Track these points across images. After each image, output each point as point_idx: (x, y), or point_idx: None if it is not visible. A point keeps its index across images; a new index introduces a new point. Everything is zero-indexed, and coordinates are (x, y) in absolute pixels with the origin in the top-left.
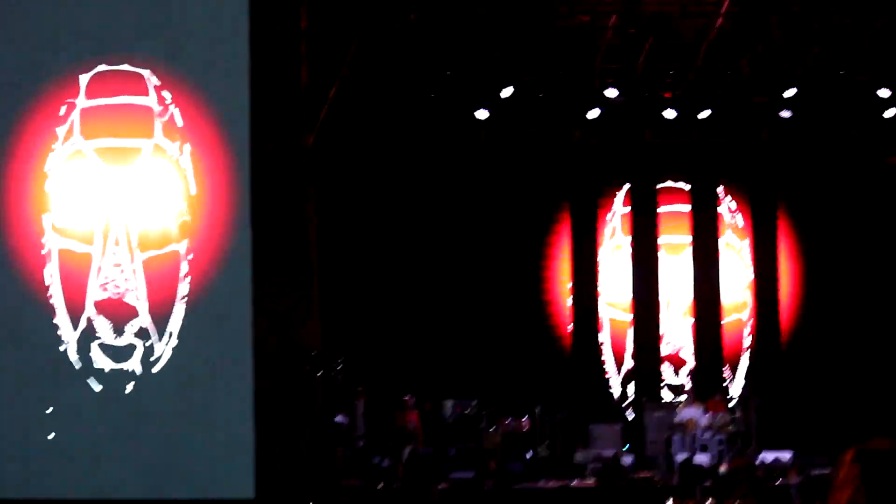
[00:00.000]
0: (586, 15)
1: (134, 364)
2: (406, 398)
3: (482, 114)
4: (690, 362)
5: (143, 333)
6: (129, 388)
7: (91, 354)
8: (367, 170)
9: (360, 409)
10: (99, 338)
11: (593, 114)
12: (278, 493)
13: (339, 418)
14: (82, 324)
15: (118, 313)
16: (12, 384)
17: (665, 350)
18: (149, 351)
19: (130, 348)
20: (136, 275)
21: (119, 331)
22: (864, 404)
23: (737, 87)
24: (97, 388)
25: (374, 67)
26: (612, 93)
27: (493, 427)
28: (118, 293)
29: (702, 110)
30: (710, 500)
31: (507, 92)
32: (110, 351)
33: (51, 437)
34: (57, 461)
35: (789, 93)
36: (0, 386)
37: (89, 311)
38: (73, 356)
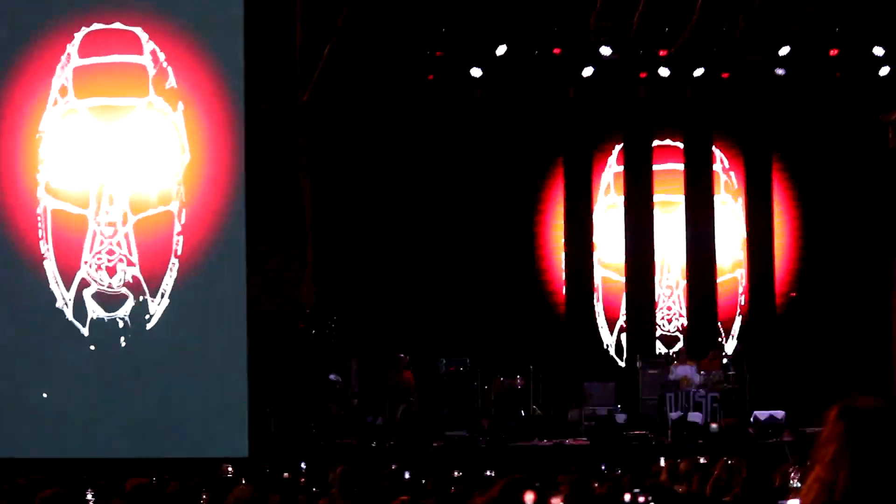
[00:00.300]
0: None
1: (125, 314)
2: (400, 356)
3: (477, 72)
4: (684, 321)
5: (135, 286)
6: (122, 342)
7: (85, 305)
8: (361, 128)
9: (353, 368)
10: (92, 287)
11: (588, 71)
12: (272, 451)
13: (332, 377)
14: (76, 283)
15: (112, 270)
16: (6, 343)
17: (659, 309)
18: (141, 307)
19: (122, 298)
20: (129, 237)
21: (112, 272)
22: (858, 363)
23: (731, 45)
24: (90, 338)
25: (368, 25)
26: (606, 50)
27: (487, 385)
28: (112, 258)
29: (696, 68)
30: (703, 457)
31: (501, 50)
32: (103, 299)
33: (45, 396)
34: (51, 421)
35: (784, 50)
36: None
37: (83, 271)
38: (67, 313)
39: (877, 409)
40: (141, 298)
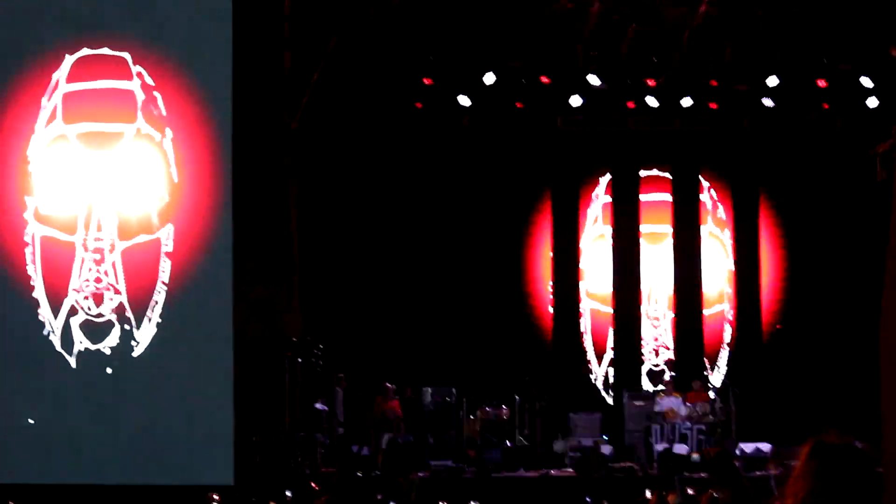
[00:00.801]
0: (570, 1)
1: (112, 343)
2: (386, 385)
3: (465, 100)
4: (671, 354)
5: (122, 314)
6: (109, 371)
7: (72, 334)
8: (349, 155)
9: (339, 397)
10: (79, 315)
11: (576, 101)
12: (257, 480)
13: (318, 405)
14: (63, 310)
15: (99, 297)
16: None
17: (645, 340)
18: (128, 335)
19: (109, 325)
20: (117, 265)
21: (99, 300)
22: (844, 396)
23: (719, 75)
24: (77, 367)
25: (357, 52)
26: (594, 80)
27: (473, 415)
28: (99, 286)
29: (684, 97)
30: (691, 489)
31: (489, 78)
32: (90, 329)
33: (31, 422)
34: (37, 447)
35: (772, 81)
36: None
37: (71, 298)
38: (55, 340)
39: (847, 447)
40: (127, 326)
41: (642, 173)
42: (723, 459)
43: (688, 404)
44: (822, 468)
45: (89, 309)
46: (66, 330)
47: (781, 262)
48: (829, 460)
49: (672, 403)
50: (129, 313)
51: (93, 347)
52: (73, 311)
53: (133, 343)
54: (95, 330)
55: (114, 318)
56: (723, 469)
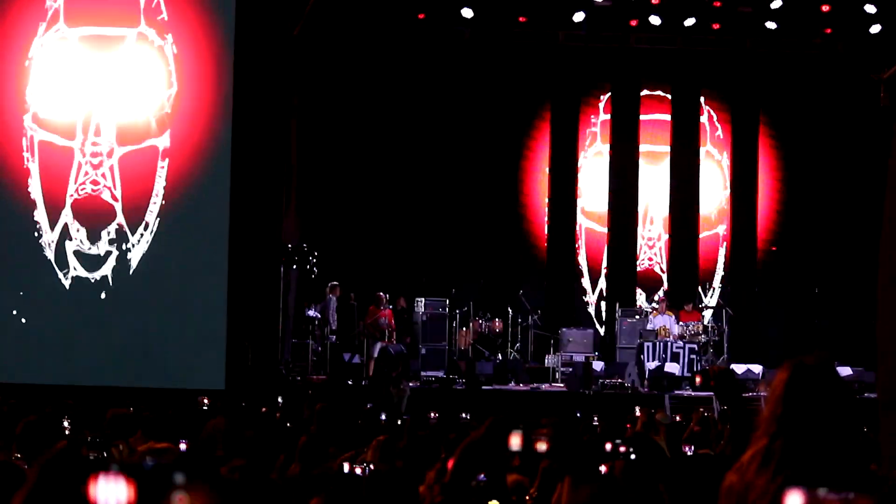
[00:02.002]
0: None
1: (107, 246)
2: (379, 295)
3: (468, 12)
4: (665, 271)
5: (119, 236)
6: (104, 273)
7: (69, 234)
8: (349, 64)
9: (332, 305)
10: (74, 242)
11: (579, 16)
12: (248, 385)
13: (311, 312)
14: (60, 224)
15: (95, 214)
16: None
17: (640, 261)
18: (123, 239)
19: (106, 254)
20: (115, 169)
21: (95, 237)
22: (838, 321)
23: None
24: (71, 267)
25: None
26: None
27: (465, 327)
28: (96, 189)
29: (687, 17)
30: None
31: None
32: (86, 229)
33: (23, 321)
34: (30, 347)
35: (775, 4)
36: None
37: (67, 211)
38: (51, 239)
39: (821, 367)
40: (123, 231)
41: (643, 92)
42: (726, 378)
43: (680, 323)
44: (796, 386)
45: (85, 211)
46: (63, 232)
47: (779, 186)
48: (803, 378)
49: (665, 321)
50: (125, 218)
51: (88, 248)
52: (68, 213)
53: (128, 246)
54: (91, 231)
55: (109, 223)
56: (726, 387)
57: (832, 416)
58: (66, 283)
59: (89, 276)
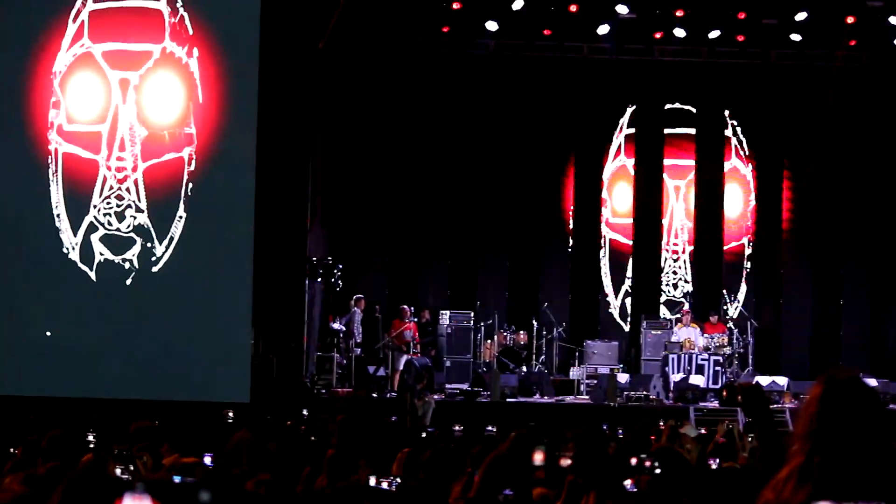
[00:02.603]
0: None
1: (132, 258)
2: (403, 308)
3: (492, 25)
4: (689, 287)
5: (143, 232)
6: (129, 281)
7: (92, 247)
8: (374, 77)
9: (357, 317)
10: (99, 231)
11: (603, 29)
12: (273, 398)
13: (336, 325)
14: (84, 226)
15: (120, 215)
16: (13, 283)
17: (664, 273)
18: (148, 251)
19: (130, 241)
20: (139, 183)
21: (121, 217)
22: (861, 333)
23: (748, 8)
24: (96, 280)
25: None
26: (622, 9)
27: (490, 340)
28: (121, 203)
29: (712, 30)
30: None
31: (518, 4)
32: (110, 242)
33: (48, 334)
34: (56, 361)
35: (800, 16)
36: (2, 284)
37: (91, 215)
38: (74, 256)
39: (854, 380)
40: (148, 243)
41: (667, 106)
42: (754, 393)
43: (705, 335)
44: (830, 402)
45: (109, 224)
46: (86, 245)
47: (805, 199)
48: (837, 394)
49: (689, 334)
50: (151, 230)
51: (113, 259)
52: (93, 228)
53: (153, 258)
54: (116, 243)
55: (134, 235)
56: (754, 403)
57: (868, 431)
58: (92, 274)
59: (115, 258)
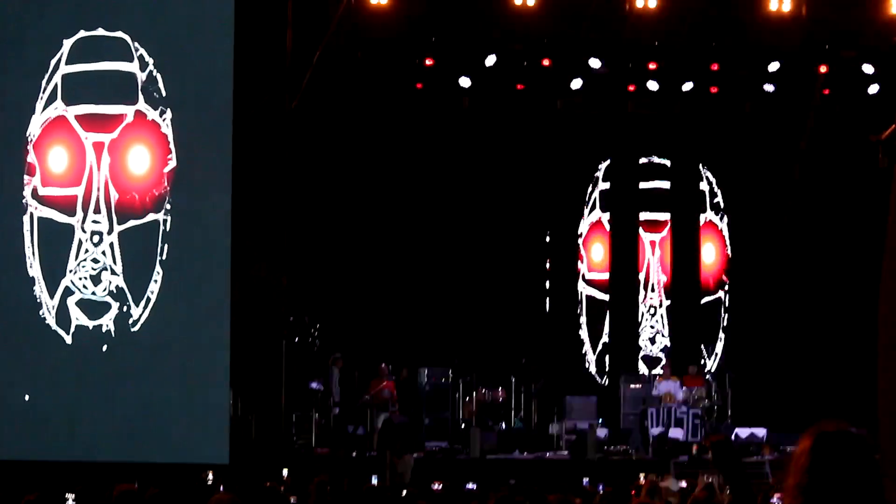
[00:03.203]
0: None
1: (109, 322)
2: (382, 366)
3: (466, 81)
4: (667, 341)
5: (119, 294)
6: (105, 347)
7: (69, 312)
8: (348, 135)
9: (335, 376)
10: (76, 295)
11: (576, 83)
12: (253, 459)
13: (314, 385)
14: (60, 290)
15: (96, 279)
16: None
17: (641, 327)
18: (125, 313)
19: (106, 305)
20: (115, 246)
21: (97, 281)
22: (840, 384)
23: (720, 59)
24: (73, 344)
25: (358, 32)
26: (595, 63)
27: (469, 397)
28: (97, 266)
29: (685, 82)
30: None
31: (490, 60)
32: (87, 307)
33: (27, 398)
34: (33, 423)
35: (773, 66)
36: None
37: (67, 279)
38: (50, 320)
39: (846, 434)
40: (125, 306)
41: (641, 160)
42: (723, 447)
43: (684, 388)
44: (821, 456)
45: (85, 287)
46: (63, 308)
47: (780, 250)
48: (828, 448)
49: (669, 387)
50: (126, 293)
51: (89, 324)
52: (69, 292)
53: (130, 322)
54: (92, 307)
55: (110, 299)
56: (724, 457)
57: (859, 483)
58: (68, 338)
59: (92, 323)
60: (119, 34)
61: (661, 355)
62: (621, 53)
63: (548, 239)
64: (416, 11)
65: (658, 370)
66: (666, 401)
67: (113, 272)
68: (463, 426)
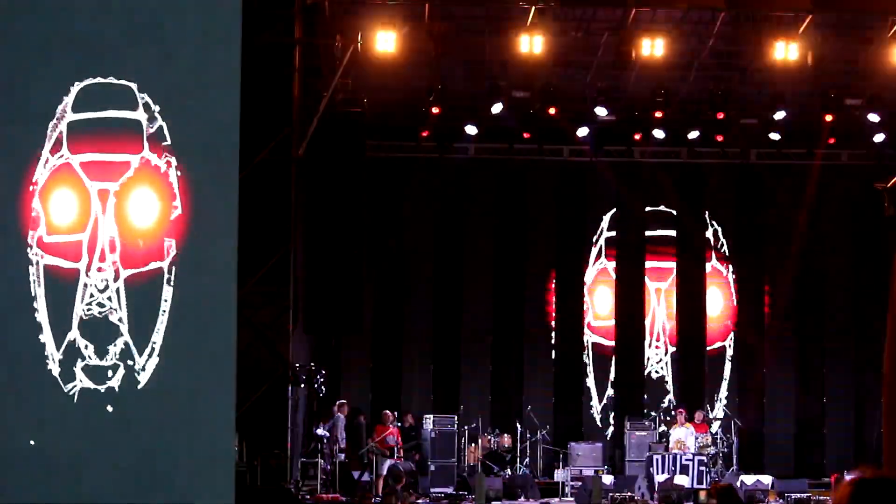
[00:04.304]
0: (579, 32)
1: (115, 383)
2: (386, 413)
3: (471, 129)
4: (671, 387)
5: (126, 353)
6: (110, 408)
7: (74, 372)
8: (354, 182)
9: (341, 423)
10: (83, 359)
11: (582, 132)
12: None
13: (319, 431)
14: (66, 343)
15: (102, 333)
16: None
17: (648, 373)
18: (131, 369)
19: (114, 367)
20: (121, 292)
21: (103, 352)
22: (845, 432)
23: (726, 108)
24: (77, 402)
25: (365, 80)
26: (601, 111)
27: (474, 443)
28: (102, 312)
29: (691, 130)
30: None
31: (497, 108)
32: (93, 372)
33: (32, 443)
34: (37, 469)
35: (779, 115)
36: None
37: (74, 331)
38: (55, 368)
39: (885, 481)
40: (130, 362)
41: (647, 209)
42: (728, 494)
43: (695, 435)
44: (862, 501)
45: (91, 356)
46: (68, 370)
47: (786, 298)
48: (868, 494)
49: (682, 434)
50: (131, 346)
51: (93, 387)
52: (75, 354)
53: (135, 367)
54: (98, 373)
55: (115, 343)
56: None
57: None
58: (74, 397)
59: (97, 387)
60: (124, 82)
61: (667, 402)
62: (627, 102)
63: (553, 287)
64: (422, 59)
65: (667, 417)
66: (675, 447)
67: (120, 319)
68: (468, 473)
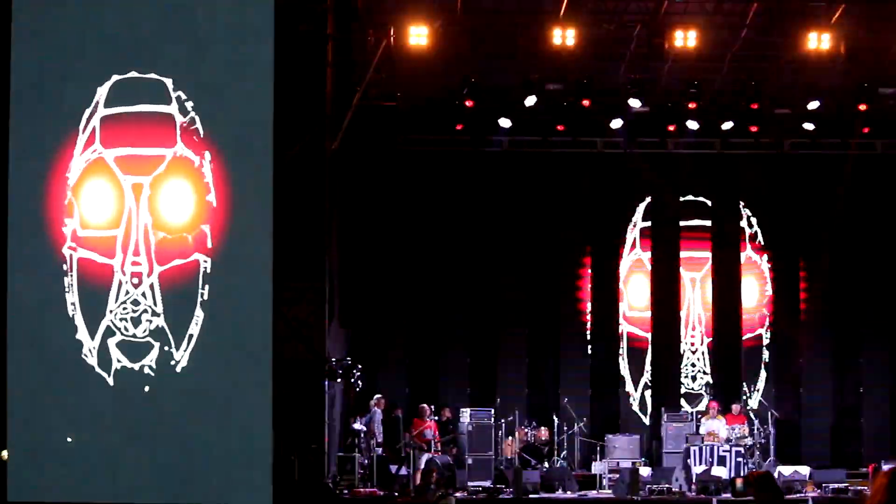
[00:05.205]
0: (612, 24)
1: (150, 361)
2: (423, 406)
3: (505, 122)
4: (709, 378)
5: (160, 334)
6: (147, 389)
7: (110, 353)
8: (388, 176)
9: (378, 417)
10: (116, 336)
11: (616, 123)
12: (295, 500)
13: (356, 425)
14: (101, 331)
15: (136, 320)
16: (31, 389)
17: (683, 365)
18: (167, 355)
19: (148, 346)
20: (155, 287)
21: (137, 322)
22: (882, 420)
23: (760, 99)
24: (115, 386)
25: (398, 73)
26: (635, 103)
27: (511, 437)
28: (137, 308)
29: (724, 121)
30: None
31: (530, 101)
32: (127, 348)
33: (69, 440)
34: (74, 466)
35: (813, 105)
36: (19, 390)
37: (108, 320)
38: (92, 361)
39: None
40: (166, 347)
41: (681, 199)
42: (766, 481)
43: (727, 426)
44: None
45: (126, 329)
46: (104, 349)
47: (822, 288)
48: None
49: (715, 425)
50: (168, 334)
51: (130, 366)
52: (110, 332)
53: (171, 363)
54: (133, 349)
55: (151, 339)
56: (766, 491)
57: None
58: (110, 379)
59: (132, 364)
60: (157, 76)
61: (703, 393)
62: (661, 93)
63: (588, 277)
64: (455, 52)
65: (701, 406)
66: (708, 439)
67: (154, 313)
68: (505, 466)
